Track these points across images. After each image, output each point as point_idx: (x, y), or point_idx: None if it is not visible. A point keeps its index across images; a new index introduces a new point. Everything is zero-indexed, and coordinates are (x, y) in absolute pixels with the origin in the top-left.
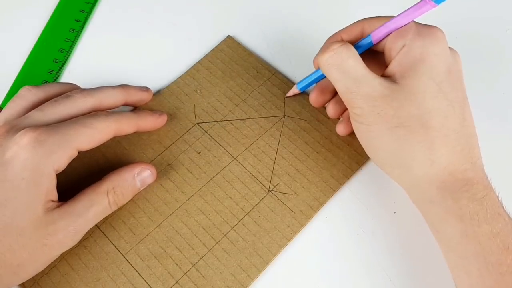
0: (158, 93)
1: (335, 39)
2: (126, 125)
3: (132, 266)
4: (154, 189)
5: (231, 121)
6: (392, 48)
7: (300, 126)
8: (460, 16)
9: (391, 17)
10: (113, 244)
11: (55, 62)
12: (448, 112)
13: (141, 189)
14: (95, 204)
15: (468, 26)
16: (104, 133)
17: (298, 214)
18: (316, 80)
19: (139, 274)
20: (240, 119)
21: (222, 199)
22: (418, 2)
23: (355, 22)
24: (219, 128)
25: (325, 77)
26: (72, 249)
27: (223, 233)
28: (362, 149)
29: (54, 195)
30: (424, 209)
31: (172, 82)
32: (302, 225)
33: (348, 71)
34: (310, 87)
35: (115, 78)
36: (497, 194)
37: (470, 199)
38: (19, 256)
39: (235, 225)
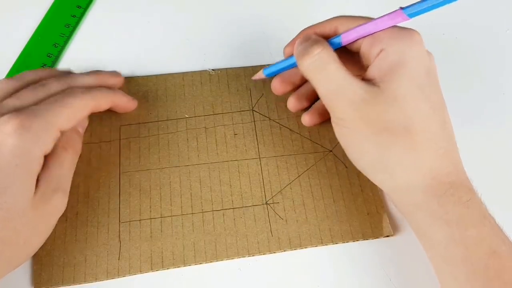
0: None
1: (308, 34)
2: (103, 101)
3: (119, 185)
4: (179, 139)
5: (282, 125)
6: (369, 52)
7: (338, 168)
8: (460, 16)
9: (366, 19)
10: (119, 159)
11: (49, 56)
12: (430, 115)
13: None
14: (64, 161)
15: (468, 26)
16: (82, 111)
17: (274, 240)
18: (285, 69)
19: (118, 195)
20: (291, 130)
21: (223, 182)
22: (392, 12)
23: (329, 19)
24: (267, 125)
25: (294, 66)
26: None
27: (201, 210)
28: (382, 223)
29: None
30: (408, 214)
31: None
32: (270, 250)
33: (330, 76)
34: (276, 74)
35: None
36: (480, 197)
37: (455, 203)
38: (24, 235)
39: (216, 210)
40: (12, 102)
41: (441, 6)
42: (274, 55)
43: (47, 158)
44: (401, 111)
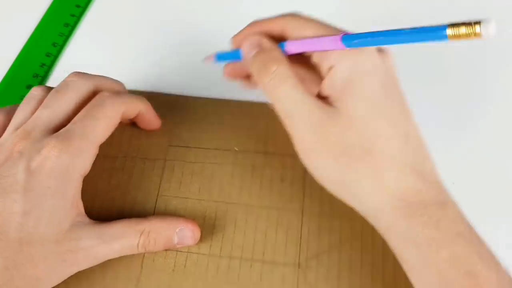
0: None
1: (258, 38)
2: (131, 105)
3: (154, 208)
4: (224, 172)
5: None
6: (320, 66)
7: (384, 246)
8: (459, 16)
9: (316, 24)
10: (160, 180)
11: (48, 56)
12: (390, 132)
13: (177, 246)
14: (125, 238)
15: None
16: (115, 119)
17: None
18: (234, 58)
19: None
20: None
21: (258, 230)
22: (333, 36)
23: (278, 17)
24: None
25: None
26: None
27: (230, 254)
28: None
29: (80, 206)
30: (384, 235)
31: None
32: None
33: (286, 94)
34: (225, 61)
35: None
36: (456, 207)
37: (425, 224)
38: (38, 269)
39: (244, 259)
40: (45, 113)
41: (384, 44)
42: None
43: None
44: (358, 133)
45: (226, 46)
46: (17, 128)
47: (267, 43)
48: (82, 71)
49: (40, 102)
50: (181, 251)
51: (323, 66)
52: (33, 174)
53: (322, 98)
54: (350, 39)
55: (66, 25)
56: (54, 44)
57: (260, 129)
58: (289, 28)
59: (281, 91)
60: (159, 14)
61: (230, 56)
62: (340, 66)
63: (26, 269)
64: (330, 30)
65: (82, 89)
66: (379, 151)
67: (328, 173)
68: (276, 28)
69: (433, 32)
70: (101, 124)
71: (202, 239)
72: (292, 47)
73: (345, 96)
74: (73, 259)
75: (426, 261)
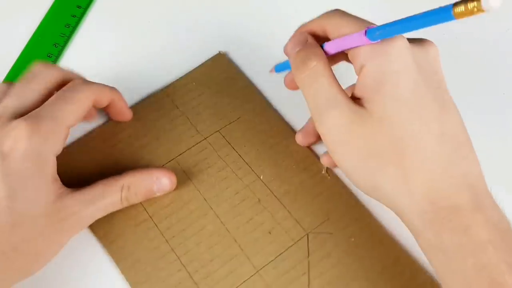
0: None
1: (303, 38)
2: (103, 94)
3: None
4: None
5: None
6: (354, 66)
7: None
8: None
9: (357, 21)
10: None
11: (49, 56)
12: (422, 133)
13: (157, 194)
14: (108, 196)
15: (467, 26)
16: (86, 105)
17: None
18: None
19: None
20: None
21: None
22: (359, 32)
23: (319, 17)
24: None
25: None
26: None
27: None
28: None
29: (58, 179)
30: (415, 239)
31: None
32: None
33: (321, 91)
34: (284, 71)
35: (107, 76)
36: (489, 213)
37: (454, 230)
38: (36, 245)
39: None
40: (11, 102)
41: (400, 33)
42: None
43: None
44: (388, 135)
45: (226, 46)
46: None
47: (310, 39)
48: (48, 62)
49: (4, 95)
50: None
51: (356, 66)
52: (7, 157)
53: (355, 99)
54: (373, 32)
55: (67, 25)
56: (55, 45)
57: None
58: (328, 28)
59: (316, 87)
60: (159, 15)
61: (286, 66)
62: (370, 65)
63: (23, 249)
64: (362, 26)
65: (49, 78)
66: (409, 153)
67: (358, 175)
68: (318, 29)
69: (440, 14)
70: (71, 108)
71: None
72: (330, 47)
73: (375, 97)
74: (67, 226)
75: (453, 268)
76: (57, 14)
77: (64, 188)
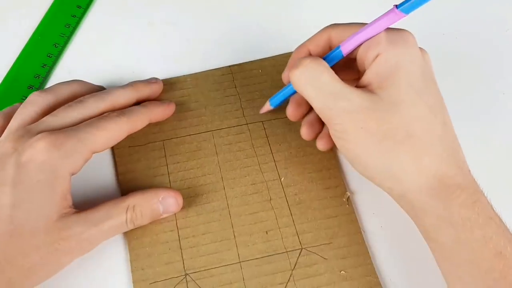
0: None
1: (301, 52)
2: (138, 122)
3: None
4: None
5: None
6: (365, 57)
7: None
8: (459, 16)
9: (358, 24)
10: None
11: (49, 56)
12: (430, 118)
13: (163, 216)
14: (112, 218)
15: (468, 26)
16: (117, 134)
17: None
18: (289, 96)
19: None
20: None
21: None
22: (387, 12)
23: (320, 31)
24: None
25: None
26: None
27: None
28: None
29: (69, 199)
30: (416, 218)
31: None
32: None
33: (323, 87)
34: (283, 102)
35: (107, 76)
36: (486, 197)
37: (461, 205)
38: (31, 260)
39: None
40: (52, 120)
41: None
42: None
43: None
44: (401, 117)
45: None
46: (16, 130)
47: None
48: (101, 92)
49: (39, 107)
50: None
51: (369, 57)
52: (22, 167)
53: (360, 88)
54: (403, 4)
55: (67, 25)
56: (55, 45)
57: None
58: (334, 34)
59: (317, 84)
60: (159, 15)
61: (283, 94)
62: (388, 53)
63: (17, 261)
64: (363, 25)
65: (93, 109)
66: (419, 135)
67: (370, 158)
68: (322, 40)
69: None
70: (100, 135)
71: None
72: (350, 45)
73: (390, 82)
74: (66, 247)
75: (459, 240)
76: (57, 14)
77: (71, 209)
